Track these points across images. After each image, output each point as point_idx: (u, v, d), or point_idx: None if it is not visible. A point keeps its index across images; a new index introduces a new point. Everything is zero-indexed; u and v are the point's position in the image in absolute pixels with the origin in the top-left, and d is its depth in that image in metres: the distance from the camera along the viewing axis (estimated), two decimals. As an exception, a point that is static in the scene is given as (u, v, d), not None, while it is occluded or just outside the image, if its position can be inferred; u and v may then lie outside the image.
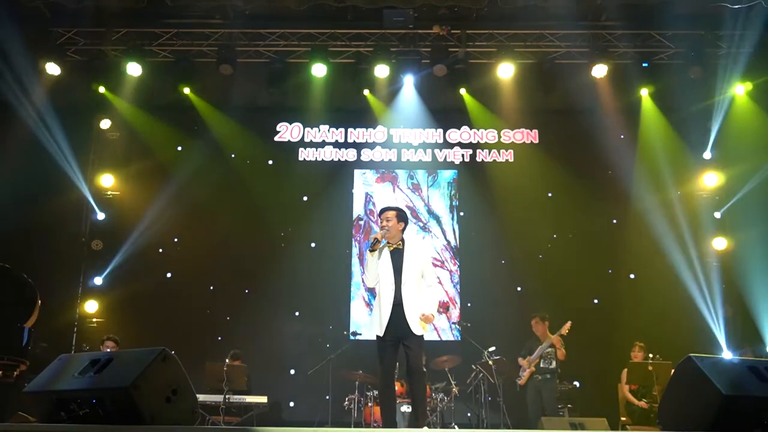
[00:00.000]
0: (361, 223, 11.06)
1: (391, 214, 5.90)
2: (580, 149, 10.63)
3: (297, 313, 10.40)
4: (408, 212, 6.15)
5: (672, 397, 4.49)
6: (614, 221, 10.69)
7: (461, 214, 11.05)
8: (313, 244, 10.72)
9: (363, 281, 5.95)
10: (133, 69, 10.21)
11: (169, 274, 10.56)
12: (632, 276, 10.44)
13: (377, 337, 5.81)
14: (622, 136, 10.85)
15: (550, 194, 10.82)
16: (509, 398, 8.82)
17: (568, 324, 8.47)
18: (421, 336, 5.74)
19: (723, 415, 3.91)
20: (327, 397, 9.12)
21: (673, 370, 5.23)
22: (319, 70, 10.37)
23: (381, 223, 5.90)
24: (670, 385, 4.59)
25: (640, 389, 8.42)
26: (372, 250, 5.77)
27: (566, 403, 9.10)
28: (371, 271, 5.79)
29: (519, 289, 10.42)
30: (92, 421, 4.06)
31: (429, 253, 6.19)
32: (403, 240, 5.91)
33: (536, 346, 8.71)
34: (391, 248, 5.85)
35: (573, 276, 10.26)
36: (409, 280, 5.77)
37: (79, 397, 4.21)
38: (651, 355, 8.23)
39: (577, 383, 9.50)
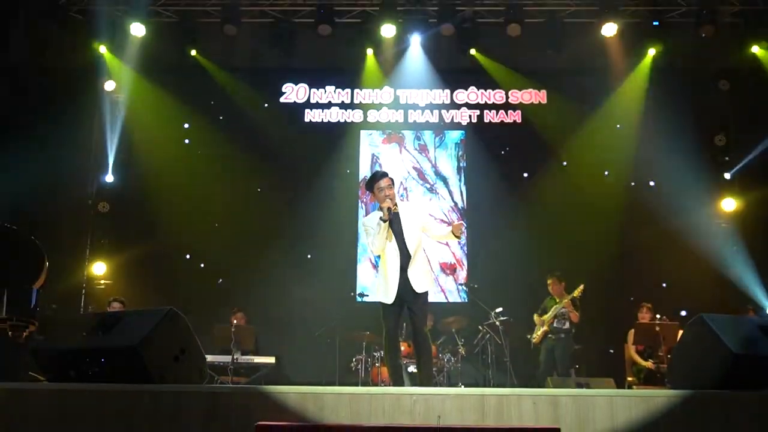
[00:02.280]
0: (368, 184, 10.99)
1: (389, 180, 5.76)
2: (588, 109, 10.50)
3: (304, 275, 10.41)
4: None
5: (682, 355, 4.49)
6: (626, 181, 10.63)
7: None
8: (319, 206, 10.68)
9: (370, 249, 5.79)
10: (137, 29, 10.14)
11: (176, 236, 10.54)
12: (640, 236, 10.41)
13: (381, 302, 5.78)
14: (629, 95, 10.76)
15: (557, 154, 10.71)
16: (516, 359, 8.86)
17: (581, 287, 8.49)
18: (426, 294, 5.74)
19: (733, 374, 3.91)
20: (334, 358, 9.17)
21: (681, 331, 5.23)
22: (324, 29, 10.25)
23: (382, 192, 5.70)
24: (680, 344, 4.60)
25: (647, 350, 8.43)
26: (386, 220, 5.61)
27: (573, 364, 9.14)
28: (381, 239, 5.65)
29: (526, 250, 10.37)
30: (101, 380, 4.08)
31: (423, 209, 6.10)
32: (396, 204, 5.81)
33: (552, 306, 8.72)
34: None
35: (580, 237, 10.23)
36: (411, 239, 5.73)
37: (88, 356, 4.23)
38: (658, 316, 8.23)
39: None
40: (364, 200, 10.92)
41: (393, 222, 5.70)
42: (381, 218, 5.61)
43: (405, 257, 5.68)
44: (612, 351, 9.31)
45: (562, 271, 8.91)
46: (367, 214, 10.80)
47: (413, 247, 5.71)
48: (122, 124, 10.75)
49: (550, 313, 8.64)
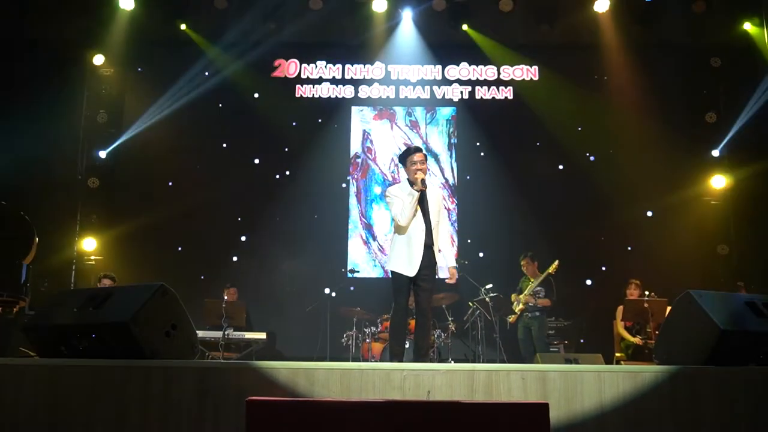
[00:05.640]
0: (359, 161, 10.99)
1: (422, 155, 5.87)
2: (580, 86, 10.49)
3: (295, 251, 10.42)
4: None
5: (670, 331, 4.53)
6: (617, 159, 10.65)
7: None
8: (310, 182, 10.66)
9: (398, 218, 5.81)
10: (126, 2, 10.08)
11: (167, 212, 10.50)
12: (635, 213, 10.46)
13: (396, 273, 5.80)
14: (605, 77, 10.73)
15: (549, 131, 10.70)
16: (505, 335, 8.92)
17: (556, 263, 8.59)
18: (436, 279, 5.83)
19: (720, 350, 3.95)
20: (325, 334, 9.20)
21: (669, 307, 5.27)
22: (315, 4, 10.17)
23: (414, 165, 5.78)
24: (668, 320, 4.63)
25: (635, 326, 8.50)
26: (419, 190, 5.71)
27: (562, 340, 9.21)
28: (411, 209, 5.70)
29: (516, 226, 10.42)
30: (92, 355, 4.09)
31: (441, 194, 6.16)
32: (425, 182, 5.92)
33: (526, 285, 8.82)
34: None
35: (571, 213, 10.28)
36: (435, 221, 5.83)
37: (78, 331, 4.23)
38: (647, 293, 8.29)
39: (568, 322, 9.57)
40: (355, 176, 10.90)
41: (421, 197, 5.78)
42: (415, 188, 5.71)
43: (429, 235, 5.77)
44: (600, 327, 9.37)
45: (545, 249, 8.99)
46: (358, 190, 10.82)
47: (434, 226, 5.79)
48: (111, 99, 10.67)
49: (525, 292, 8.75)
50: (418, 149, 5.95)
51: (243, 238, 10.56)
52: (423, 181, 5.69)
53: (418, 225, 5.75)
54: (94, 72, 10.65)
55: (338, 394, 3.73)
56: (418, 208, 5.76)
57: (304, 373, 3.79)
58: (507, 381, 3.78)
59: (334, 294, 9.27)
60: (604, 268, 10.33)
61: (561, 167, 10.68)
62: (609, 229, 10.26)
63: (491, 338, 8.82)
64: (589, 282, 10.23)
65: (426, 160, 5.91)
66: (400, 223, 5.78)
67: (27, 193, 9.20)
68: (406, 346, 8.15)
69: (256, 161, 10.79)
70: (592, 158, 10.64)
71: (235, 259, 10.49)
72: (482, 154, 10.78)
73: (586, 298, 9.89)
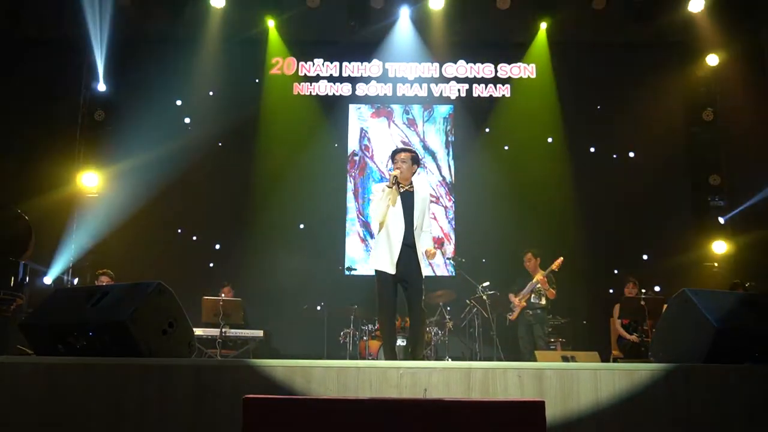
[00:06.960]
0: (356, 158, 10.99)
1: (406, 155, 5.91)
2: (577, 84, 10.50)
3: (292, 248, 10.41)
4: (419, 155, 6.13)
5: (665, 329, 4.54)
6: (614, 156, 10.67)
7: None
8: (307, 180, 10.65)
9: (371, 214, 6.00)
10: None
11: (165, 209, 10.49)
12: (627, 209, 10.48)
13: (379, 272, 5.81)
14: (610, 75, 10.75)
15: (545, 129, 10.71)
16: (502, 332, 8.92)
17: (560, 260, 8.49)
18: (422, 276, 5.81)
19: (715, 348, 3.96)
20: (322, 331, 9.21)
21: (666, 305, 5.28)
22: (313, 2, 10.17)
23: (396, 163, 5.87)
24: (663, 318, 4.64)
25: (632, 324, 8.52)
26: (390, 186, 5.75)
27: (558, 338, 9.22)
28: (383, 206, 5.76)
29: (513, 225, 10.41)
30: (90, 354, 4.09)
31: (429, 198, 6.16)
32: (412, 183, 5.94)
33: (527, 282, 8.77)
34: (402, 189, 5.85)
35: (569, 212, 10.28)
36: (418, 222, 5.82)
37: (76, 329, 4.23)
38: (644, 290, 8.30)
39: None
40: (353, 174, 10.90)
41: (406, 197, 5.82)
42: (387, 184, 5.78)
43: (409, 233, 5.77)
44: (598, 325, 9.39)
45: (543, 247, 8.97)
46: (355, 187, 10.82)
47: (419, 229, 5.80)
48: (108, 97, 10.66)
49: (525, 288, 8.70)
50: (404, 150, 6.05)
51: (239, 236, 10.53)
52: (395, 177, 5.77)
53: (397, 223, 5.77)
54: (91, 71, 10.62)
55: (335, 392, 3.74)
56: (400, 205, 5.78)
57: (301, 371, 3.79)
58: (503, 379, 3.79)
59: (319, 308, 9.29)
60: (601, 264, 10.34)
61: (557, 166, 10.68)
62: (605, 226, 10.27)
63: (488, 336, 8.82)
64: (586, 278, 10.22)
65: (412, 160, 5.93)
66: (374, 218, 5.92)
67: (24, 192, 9.20)
68: (402, 343, 8.20)
69: (254, 158, 10.77)
70: (592, 150, 10.68)
71: (232, 257, 10.47)
72: (479, 152, 10.78)
73: (583, 295, 9.93)
